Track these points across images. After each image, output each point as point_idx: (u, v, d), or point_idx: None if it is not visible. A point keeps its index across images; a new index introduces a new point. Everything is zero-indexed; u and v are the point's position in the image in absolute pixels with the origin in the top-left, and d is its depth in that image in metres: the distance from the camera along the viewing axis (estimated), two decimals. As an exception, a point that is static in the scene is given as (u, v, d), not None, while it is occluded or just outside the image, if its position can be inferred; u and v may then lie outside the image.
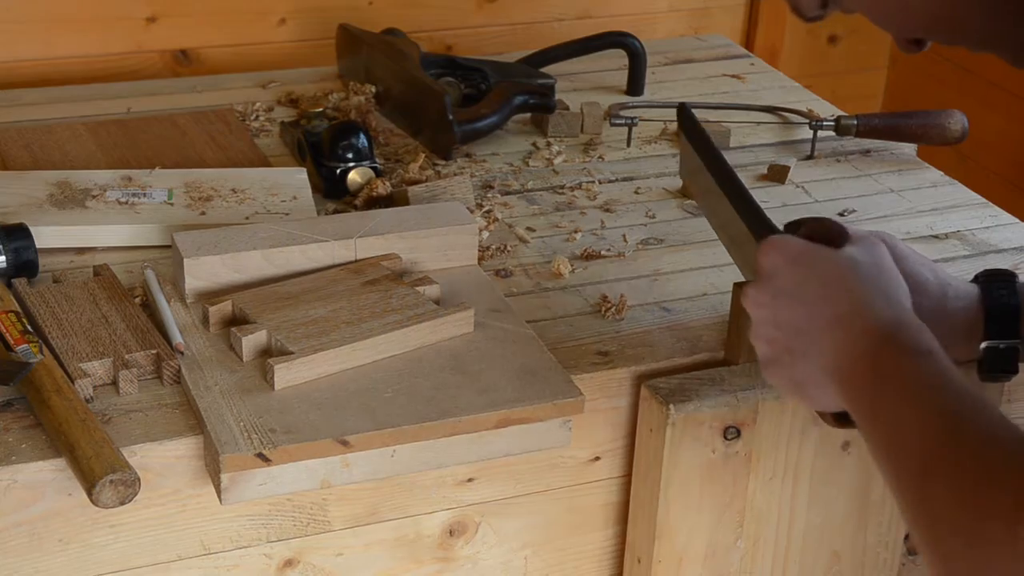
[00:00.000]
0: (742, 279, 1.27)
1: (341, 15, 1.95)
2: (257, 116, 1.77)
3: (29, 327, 1.21)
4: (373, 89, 1.79)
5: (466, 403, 1.18)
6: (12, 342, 1.18)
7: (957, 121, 1.74)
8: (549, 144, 1.74)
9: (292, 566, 1.23)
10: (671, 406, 1.24)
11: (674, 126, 1.80)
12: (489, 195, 1.60)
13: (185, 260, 1.29)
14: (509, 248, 1.48)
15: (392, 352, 1.24)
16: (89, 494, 1.05)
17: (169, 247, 1.35)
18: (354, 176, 1.55)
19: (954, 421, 0.91)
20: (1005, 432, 0.88)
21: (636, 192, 1.64)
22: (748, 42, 2.30)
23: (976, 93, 2.28)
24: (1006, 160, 2.27)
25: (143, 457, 1.13)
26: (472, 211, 1.51)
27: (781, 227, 1.17)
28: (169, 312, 1.27)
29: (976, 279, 1.21)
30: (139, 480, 1.07)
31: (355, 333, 1.23)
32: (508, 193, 1.61)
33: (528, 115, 1.78)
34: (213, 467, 1.12)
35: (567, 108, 1.81)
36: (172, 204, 1.48)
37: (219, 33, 1.99)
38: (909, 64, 2.42)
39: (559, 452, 1.28)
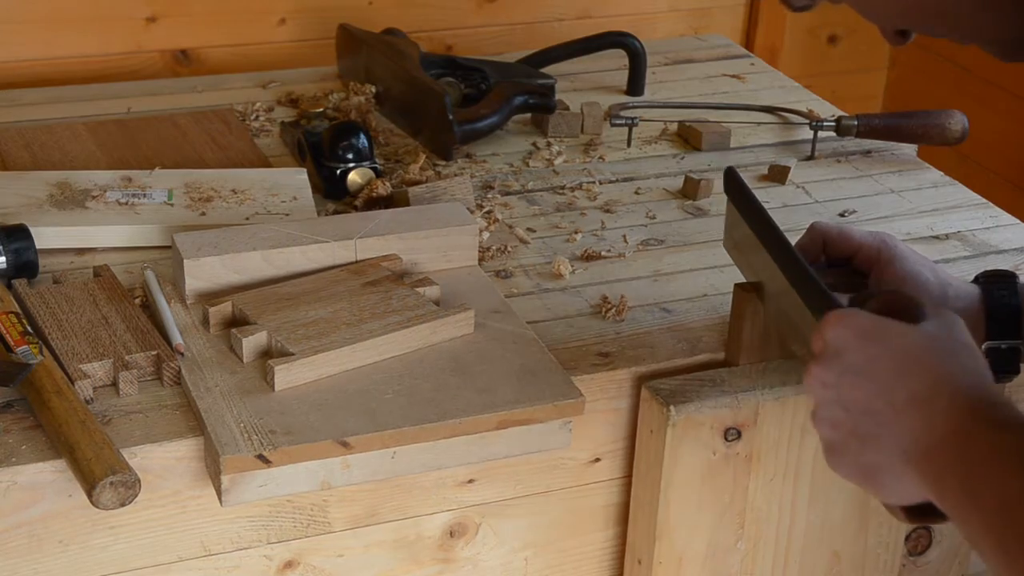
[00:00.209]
0: (743, 279, 1.27)
1: (341, 15, 1.95)
2: (257, 116, 1.77)
3: (29, 328, 1.21)
4: (373, 89, 1.79)
5: (466, 404, 1.18)
6: (12, 343, 1.18)
7: (957, 121, 1.74)
8: (549, 144, 1.74)
9: (292, 567, 1.23)
10: (672, 407, 1.24)
11: (675, 126, 1.80)
12: (489, 195, 1.60)
13: (185, 261, 1.29)
14: (509, 249, 1.48)
15: (392, 353, 1.23)
16: (89, 496, 1.05)
17: (169, 248, 1.35)
18: (354, 177, 1.55)
19: None
20: None
21: (636, 193, 1.63)
22: (748, 42, 2.30)
23: (976, 93, 2.28)
24: (1006, 160, 2.27)
25: (143, 458, 1.13)
26: (472, 212, 1.51)
27: (845, 302, 1.05)
28: (169, 313, 1.27)
29: (976, 280, 1.21)
30: (139, 482, 1.07)
31: (355, 334, 1.23)
32: (508, 193, 1.61)
33: (528, 115, 1.78)
34: (213, 468, 1.12)
35: (567, 108, 1.81)
36: (172, 205, 1.48)
37: (219, 33, 1.98)
38: (909, 64, 2.42)
39: (559, 453, 1.28)
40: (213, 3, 1.97)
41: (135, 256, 1.41)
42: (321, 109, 1.71)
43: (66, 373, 1.16)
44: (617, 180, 1.66)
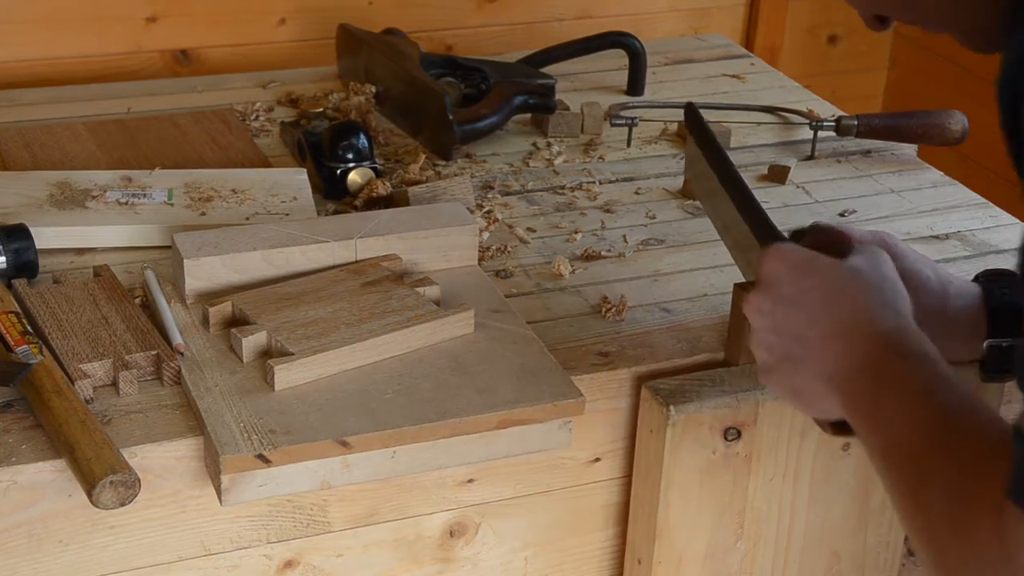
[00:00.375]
0: (743, 280, 1.27)
1: (341, 15, 1.95)
2: (257, 116, 1.77)
3: (29, 328, 1.21)
4: (373, 89, 1.79)
5: (466, 404, 1.18)
6: (12, 343, 1.18)
7: (957, 121, 1.74)
8: (549, 144, 1.74)
9: (292, 567, 1.23)
10: (671, 407, 1.24)
11: (675, 126, 1.80)
12: (489, 195, 1.60)
13: (185, 261, 1.29)
14: (509, 249, 1.48)
15: (392, 353, 1.23)
16: (89, 495, 1.05)
17: (169, 247, 1.35)
18: (354, 176, 1.55)
19: (947, 419, 0.92)
20: (992, 426, 0.89)
21: (636, 192, 1.63)
22: (748, 42, 2.30)
23: (976, 93, 2.28)
24: (1006, 160, 2.26)
25: (143, 458, 1.13)
26: (472, 211, 1.51)
27: (786, 233, 1.17)
28: (169, 313, 1.27)
29: (977, 279, 1.21)
30: (139, 481, 1.07)
31: (355, 334, 1.23)
32: (508, 193, 1.61)
33: (528, 115, 1.78)
34: (213, 468, 1.12)
35: (567, 108, 1.81)
36: (172, 204, 1.48)
37: (219, 33, 1.98)
38: (909, 64, 2.42)
39: (559, 453, 1.28)
40: (213, 3, 1.97)
41: (135, 256, 1.41)
42: (321, 109, 1.71)
43: (66, 373, 1.16)
44: (617, 180, 1.66)
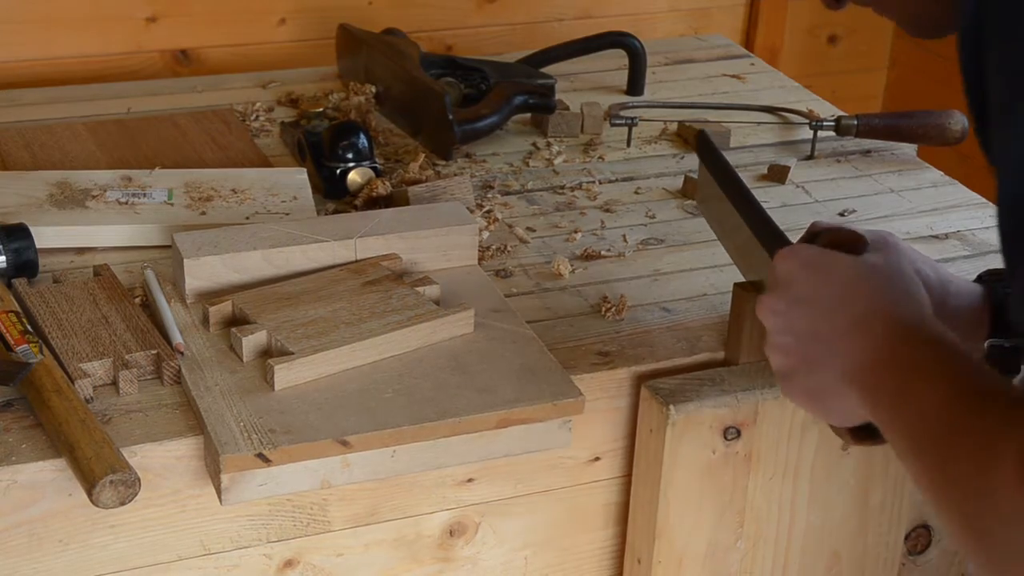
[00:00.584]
0: (742, 279, 1.27)
1: (341, 15, 1.95)
2: (257, 116, 1.77)
3: (29, 327, 1.21)
4: (373, 89, 1.79)
5: (466, 403, 1.18)
6: (12, 342, 1.18)
7: (957, 121, 1.74)
8: (549, 144, 1.74)
9: (292, 566, 1.23)
10: (671, 406, 1.24)
11: (674, 126, 1.80)
12: (489, 195, 1.60)
13: (185, 260, 1.29)
14: (509, 248, 1.48)
15: (392, 352, 1.23)
16: (89, 494, 1.05)
17: (169, 247, 1.35)
18: (354, 176, 1.55)
19: (971, 396, 0.90)
20: (1017, 393, 0.88)
21: (636, 192, 1.64)
22: (748, 42, 2.30)
23: (976, 93, 2.28)
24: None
25: (143, 457, 1.13)
26: (472, 211, 1.51)
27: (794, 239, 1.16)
28: (169, 312, 1.27)
29: (979, 279, 1.21)
30: (139, 480, 1.07)
31: (355, 333, 1.23)
32: (508, 193, 1.61)
33: (528, 115, 1.78)
34: (213, 467, 1.12)
35: (567, 108, 1.81)
36: (172, 204, 1.48)
37: (219, 33, 1.98)
38: (909, 64, 2.42)
39: (559, 452, 1.28)
40: (213, 3, 1.97)
41: (135, 256, 1.41)
42: (321, 109, 1.71)
43: (66, 372, 1.16)
44: (617, 180, 1.66)
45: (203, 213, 1.46)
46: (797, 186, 1.68)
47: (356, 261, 1.34)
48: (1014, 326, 1.15)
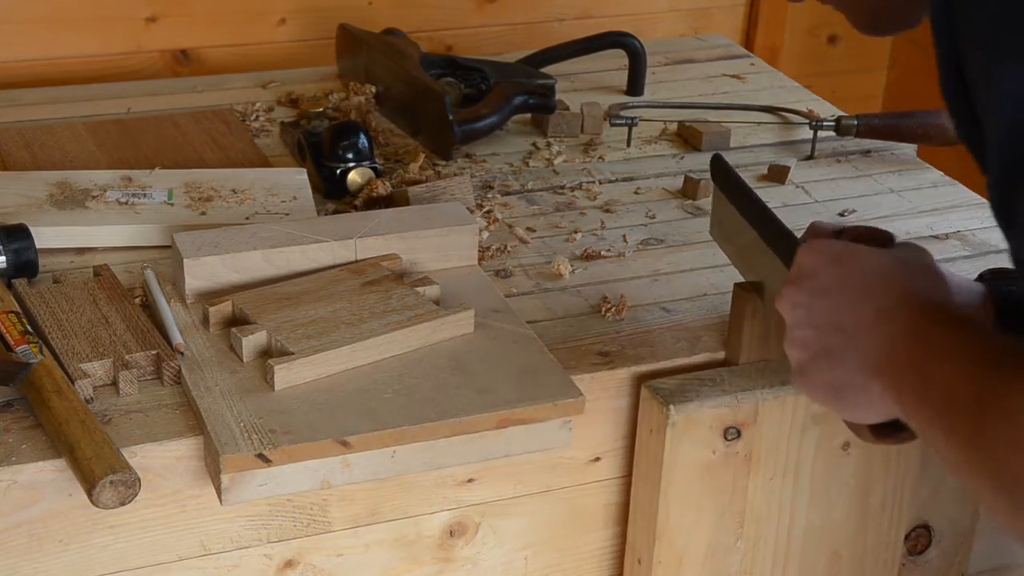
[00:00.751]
0: (742, 279, 1.27)
1: (341, 15, 1.95)
2: (257, 116, 1.77)
3: (29, 327, 1.21)
4: (373, 89, 1.79)
5: (466, 403, 1.18)
6: (12, 343, 1.18)
7: (957, 121, 1.74)
8: (549, 144, 1.74)
9: (292, 567, 1.23)
10: (671, 407, 1.24)
11: (674, 126, 1.80)
12: (489, 195, 1.60)
13: (185, 260, 1.29)
14: (509, 248, 1.48)
15: (392, 353, 1.23)
16: (89, 495, 1.05)
17: (169, 247, 1.35)
18: (354, 176, 1.55)
19: (998, 362, 0.88)
20: None
21: (636, 192, 1.64)
22: (748, 42, 2.30)
23: (976, 93, 2.28)
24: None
25: (143, 458, 1.13)
26: (472, 211, 1.51)
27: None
28: (169, 312, 1.27)
29: (981, 277, 1.21)
30: (139, 481, 1.07)
31: (355, 334, 1.23)
32: (508, 193, 1.61)
33: (528, 115, 1.78)
34: (213, 468, 1.12)
35: (567, 108, 1.81)
36: (172, 204, 1.48)
37: (219, 33, 1.98)
38: (909, 64, 2.42)
39: (559, 453, 1.28)
40: (213, 3, 1.97)
41: (135, 256, 1.41)
42: (321, 109, 1.71)
43: (66, 372, 1.16)
44: (617, 180, 1.67)
45: (203, 213, 1.46)
46: (797, 186, 1.68)
47: (356, 261, 1.34)
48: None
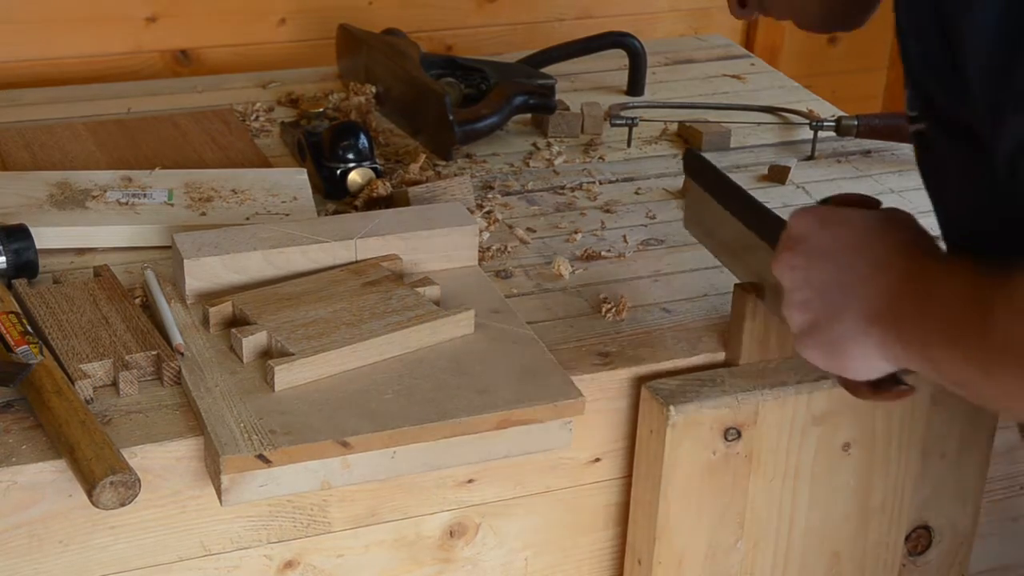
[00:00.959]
0: (741, 278, 1.27)
1: (341, 15, 1.95)
2: (257, 116, 1.77)
3: (29, 328, 1.21)
4: (373, 89, 1.79)
5: (466, 404, 1.18)
6: (12, 343, 1.18)
7: (957, 121, 1.74)
8: (549, 144, 1.74)
9: (292, 567, 1.23)
10: (671, 407, 1.24)
11: (675, 127, 1.80)
12: (489, 196, 1.60)
13: (185, 261, 1.29)
14: (509, 249, 1.48)
15: (392, 353, 1.23)
16: (89, 495, 1.05)
17: (169, 248, 1.35)
18: (354, 177, 1.55)
19: (995, 271, 0.91)
20: None
21: (636, 193, 1.64)
22: (748, 42, 2.30)
23: (976, 93, 2.28)
24: (1006, 160, 2.26)
25: (143, 458, 1.13)
26: (472, 212, 1.51)
27: None
28: (169, 313, 1.27)
29: None
30: (139, 481, 1.07)
31: (355, 334, 1.23)
32: (508, 194, 1.61)
33: (528, 115, 1.78)
34: (213, 468, 1.12)
35: (567, 108, 1.81)
36: (172, 205, 1.48)
37: (219, 33, 1.98)
38: (909, 64, 2.42)
39: (559, 453, 1.28)
40: (213, 3, 1.97)
41: (135, 256, 1.41)
42: (321, 109, 1.71)
43: (66, 373, 1.16)
44: (617, 180, 1.66)
45: (203, 214, 1.46)
46: (797, 187, 1.68)
47: (356, 262, 1.34)
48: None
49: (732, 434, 1.26)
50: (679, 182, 1.65)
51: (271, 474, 1.12)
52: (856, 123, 1.75)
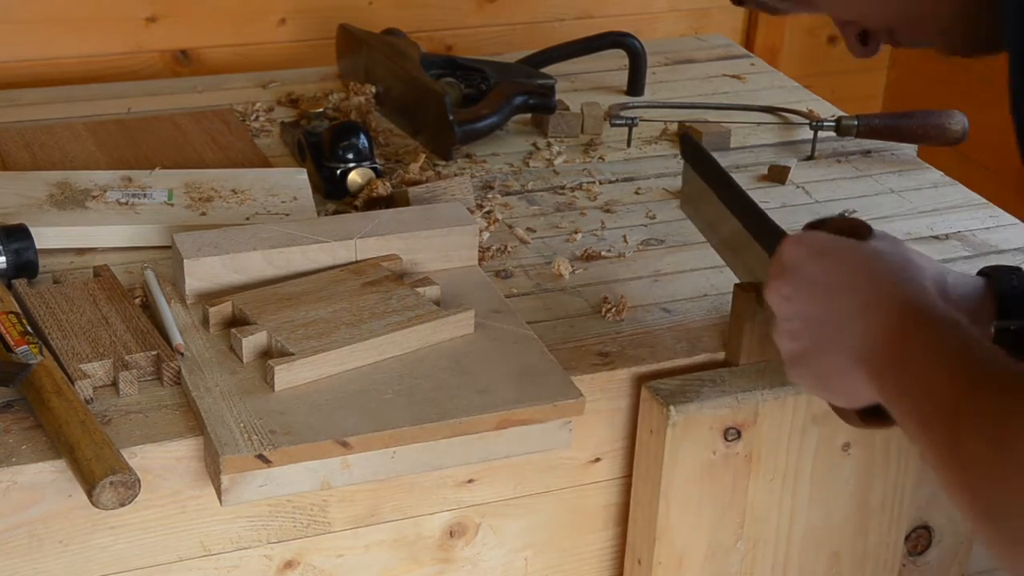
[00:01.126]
0: (738, 275, 1.27)
1: (341, 15, 1.95)
2: (257, 116, 1.77)
3: (29, 328, 1.21)
4: (373, 89, 1.79)
5: (466, 404, 1.18)
6: (12, 343, 1.18)
7: (957, 121, 1.74)
8: (549, 144, 1.74)
9: (292, 567, 1.23)
10: (671, 407, 1.24)
11: (675, 127, 1.80)
12: (489, 196, 1.60)
13: (185, 261, 1.29)
14: (509, 249, 1.48)
15: (392, 353, 1.23)
16: (89, 496, 1.05)
17: (169, 248, 1.35)
18: (354, 177, 1.55)
19: (979, 372, 0.90)
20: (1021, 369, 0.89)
21: (636, 193, 1.63)
22: (748, 42, 2.30)
23: (976, 93, 2.28)
24: (1006, 160, 2.26)
25: (143, 458, 1.13)
26: (472, 212, 1.51)
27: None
28: (169, 313, 1.27)
29: (982, 272, 1.22)
30: (139, 481, 1.07)
31: (355, 334, 1.23)
32: (508, 194, 1.61)
33: (528, 115, 1.78)
34: (213, 468, 1.12)
35: (567, 108, 1.81)
36: (172, 205, 1.48)
37: (219, 33, 1.98)
38: (909, 64, 2.42)
39: (559, 453, 1.28)
40: (213, 3, 1.97)
41: (135, 256, 1.41)
42: (321, 109, 1.71)
43: (66, 373, 1.16)
44: (617, 180, 1.66)
45: (203, 214, 1.46)
46: (797, 187, 1.68)
47: (356, 262, 1.34)
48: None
49: (732, 434, 1.26)
50: (679, 182, 1.65)
51: (271, 474, 1.12)
52: (856, 123, 1.75)
